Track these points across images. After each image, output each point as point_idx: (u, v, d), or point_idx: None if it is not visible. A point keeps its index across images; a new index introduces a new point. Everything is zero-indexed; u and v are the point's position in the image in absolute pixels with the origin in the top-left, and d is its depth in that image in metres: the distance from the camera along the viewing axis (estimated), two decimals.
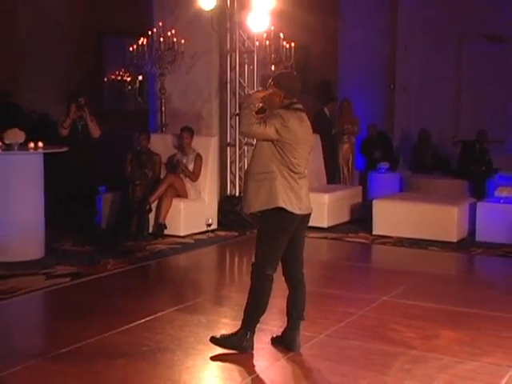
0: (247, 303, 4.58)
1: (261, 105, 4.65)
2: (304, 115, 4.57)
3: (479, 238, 8.36)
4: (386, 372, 4.35)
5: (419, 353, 4.67)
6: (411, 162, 12.10)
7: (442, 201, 8.80)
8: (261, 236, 4.54)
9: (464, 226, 8.58)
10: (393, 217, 8.66)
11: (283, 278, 4.70)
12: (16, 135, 7.12)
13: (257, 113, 4.59)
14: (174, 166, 8.69)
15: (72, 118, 8.58)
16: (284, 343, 4.69)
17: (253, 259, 4.58)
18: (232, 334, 4.62)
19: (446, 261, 7.82)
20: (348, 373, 4.36)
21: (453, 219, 8.36)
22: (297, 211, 4.48)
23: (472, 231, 8.54)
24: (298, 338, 4.67)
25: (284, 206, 4.41)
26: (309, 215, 4.63)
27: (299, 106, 4.56)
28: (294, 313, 4.68)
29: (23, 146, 7.17)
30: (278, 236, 4.47)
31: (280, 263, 4.64)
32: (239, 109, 4.71)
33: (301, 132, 4.46)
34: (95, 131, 8.63)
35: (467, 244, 8.31)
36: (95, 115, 8.74)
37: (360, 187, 10.55)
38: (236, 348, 4.56)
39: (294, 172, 4.47)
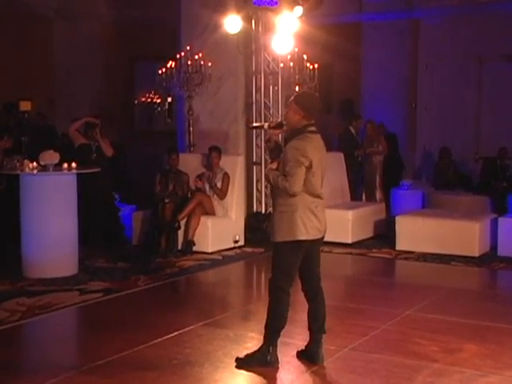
0: (267, 318, 4.69)
1: (279, 120, 4.77)
2: (317, 137, 4.68)
3: (501, 252, 8.39)
4: None
5: (442, 366, 4.70)
6: (433, 179, 12.09)
7: (463, 216, 8.86)
8: (277, 256, 4.66)
9: (486, 241, 8.62)
10: (416, 232, 8.72)
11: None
12: (51, 156, 7.33)
13: (275, 128, 4.78)
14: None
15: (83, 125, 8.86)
16: (308, 357, 4.78)
17: (270, 275, 4.70)
18: (255, 352, 4.71)
19: (468, 275, 7.86)
20: None
21: (475, 234, 8.41)
22: (317, 235, 4.64)
23: (494, 246, 8.58)
24: (321, 350, 4.76)
25: (303, 238, 4.55)
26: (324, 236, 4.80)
27: (313, 128, 4.67)
28: (315, 326, 4.78)
29: (58, 167, 7.36)
30: (292, 257, 4.61)
31: (298, 279, 4.78)
32: (269, 183, 4.83)
33: (317, 156, 4.59)
34: (108, 151, 8.87)
35: (489, 259, 8.33)
36: (107, 136, 8.99)
37: (383, 204, 10.62)
38: (261, 364, 4.63)
39: (313, 195, 4.60)
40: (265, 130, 4.78)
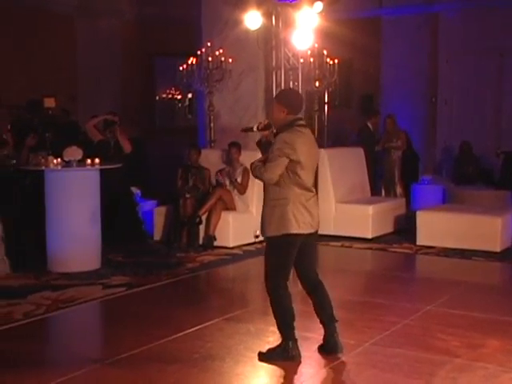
0: (274, 317, 4.70)
1: (267, 121, 4.82)
2: (307, 131, 4.70)
3: None
4: (431, 380, 4.37)
5: (464, 361, 4.67)
6: (454, 174, 12.04)
7: (485, 211, 8.80)
8: (270, 251, 4.67)
9: (507, 236, 8.56)
10: (436, 227, 8.68)
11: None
12: (74, 152, 7.42)
13: (263, 129, 4.78)
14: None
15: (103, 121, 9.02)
16: (328, 349, 4.79)
17: (263, 274, 4.68)
18: (277, 347, 4.72)
19: (489, 270, 7.83)
20: (393, 381, 4.38)
21: (496, 229, 8.36)
22: (309, 230, 4.62)
23: None
24: (338, 339, 4.75)
25: (295, 232, 4.53)
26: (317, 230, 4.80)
27: (302, 122, 4.69)
28: (324, 317, 4.77)
29: (81, 163, 7.44)
30: (285, 253, 4.60)
31: (297, 276, 4.79)
32: (253, 174, 4.81)
33: (306, 149, 4.58)
34: (127, 147, 8.97)
35: (511, 254, 8.29)
36: (125, 132, 9.07)
37: (403, 199, 10.59)
38: (284, 359, 4.64)
39: (304, 189, 4.59)
40: (254, 133, 4.84)
